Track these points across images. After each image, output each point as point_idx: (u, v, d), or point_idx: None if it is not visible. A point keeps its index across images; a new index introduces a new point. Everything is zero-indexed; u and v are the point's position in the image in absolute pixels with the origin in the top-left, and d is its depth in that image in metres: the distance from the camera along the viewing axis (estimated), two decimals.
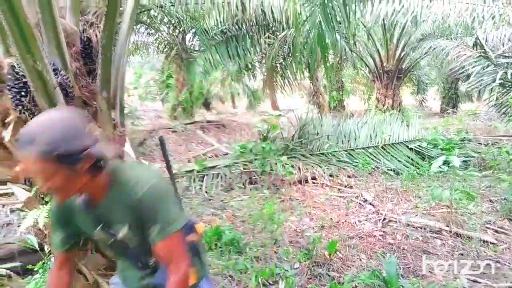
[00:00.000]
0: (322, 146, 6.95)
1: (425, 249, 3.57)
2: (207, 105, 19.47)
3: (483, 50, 6.08)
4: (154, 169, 1.34)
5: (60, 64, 1.85)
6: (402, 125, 7.41)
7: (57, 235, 1.45)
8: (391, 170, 6.37)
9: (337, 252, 3.47)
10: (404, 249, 3.57)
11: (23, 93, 1.75)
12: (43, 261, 2.46)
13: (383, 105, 12.47)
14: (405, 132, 7.25)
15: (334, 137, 7.21)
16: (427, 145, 6.87)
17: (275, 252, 3.59)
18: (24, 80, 1.72)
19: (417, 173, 6.09)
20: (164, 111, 16.24)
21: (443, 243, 3.69)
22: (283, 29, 8.76)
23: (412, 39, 11.58)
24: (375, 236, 3.91)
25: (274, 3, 7.65)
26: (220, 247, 3.55)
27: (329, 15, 4.74)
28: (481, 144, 7.24)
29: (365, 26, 11.50)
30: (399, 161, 6.63)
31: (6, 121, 1.85)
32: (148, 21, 10.87)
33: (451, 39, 9.06)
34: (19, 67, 1.69)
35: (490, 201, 4.85)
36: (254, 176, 5.96)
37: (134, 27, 8.41)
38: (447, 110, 16.06)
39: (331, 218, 4.44)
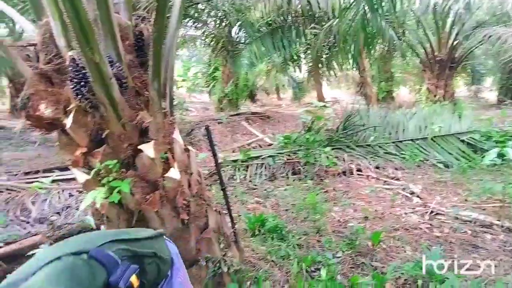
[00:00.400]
0: (368, 137, 6.84)
1: (473, 243, 3.45)
2: (252, 97, 19.63)
3: None
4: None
5: (115, 56, 1.99)
6: (453, 116, 7.12)
7: None
8: (440, 162, 6.15)
9: (381, 243, 3.44)
10: (451, 242, 3.47)
11: (82, 84, 1.90)
12: None
13: (434, 96, 11.99)
14: (456, 123, 6.97)
15: (381, 128, 7.07)
16: (480, 137, 6.56)
17: (317, 241, 3.62)
18: (83, 71, 1.87)
19: (468, 166, 5.84)
20: (210, 103, 16.61)
21: (494, 238, 3.54)
22: (329, 19, 8.65)
23: (466, 26, 10.99)
24: (421, 228, 3.82)
25: None
26: (263, 234, 3.64)
27: (374, 1, 4.63)
28: None
29: (414, 14, 11.06)
30: (449, 153, 6.39)
31: (67, 109, 2.02)
32: (195, 14, 11.12)
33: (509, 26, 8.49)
34: (79, 59, 1.84)
35: None
36: (298, 166, 5.99)
37: (182, 21, 8.66)
38: (504, 101, 15.11)
39: (375, 210, 4.39)
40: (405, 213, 4.29)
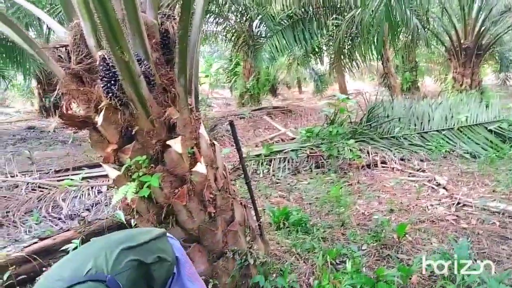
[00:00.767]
0: (393, 129, 6.75)
1: (502, 234, 3.38)
2: (273, 91, 19.63)
3: None
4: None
5: (143, 54, 2.05)
6: (480, 105, 6.94)
7: None
8: (467, 153, 6.03)
9: (407, 236, 3.42)
10: (479, 234, 3.41)
11: (112, 82, 1.97)
12: None
13: (461, 85, 11.69)
14: (484, 113, 6.78)
15: (406, 119, 6.97)
16: (508, 127, 6.38)
17: (342, 234, 3.63)
18: (113, 70, 1.94)
19: (496, 156, 5.70)
20: (232, 98, 16.68)
21: None
22: (351, 9, 8.53)
23: (494, 12, 10.63)
24: (447, 220, 3.77)
25: None
26: (288, 227, 3.67)
27: None
28: None
29: (439, 1, 10.78)
30: (476, 143, 6.25)
31: (98, 107, 2.10)
32: (216, 10, 11.17)
33: None
34: (109, 59, 1.91)
35: None
36: (321, 160, 5.98)
37: (204, 17, 8.72)
38: None
39: (401, 202, 4.35)
40: (431, 205, 4.24)
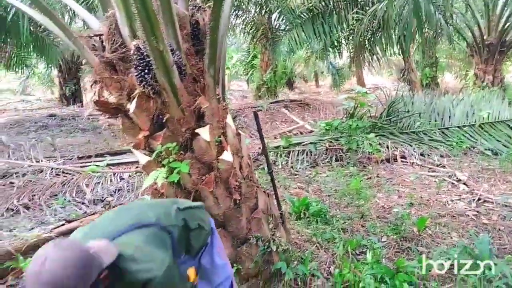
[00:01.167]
0: (413, 124, 6.71)
1: None
2: (290, 85, 19.57)
3: None
4: (158, 256, 1.34)
5: (175, 45, 2.12)
6: (503, 102, 6.83)
7: None
8: (488, 149, 5.96)
9: (426, 229, 3.43)
10: (500, 229, 3.41)
11: (146, 71, 2.04)
12: None
13: (482, 82, 11.45)
14: (506, 110, 6.69)
15: (426, 115, 6.91)
16: None
17: (361, 226, 3.66)
18: (147, 59, 2.01)
19: None
20: (248, 90, 16.70)
21: None
22: (373, 3, 8.45)
23: None
24: (468, 215, 3.77)
25: None
26: (308, 217, 3.72)
27: None
28: None
29: None
30: (498, 140, 6.18)
31: (131, 95, 2.18)
32: (236, 2, 11.18)
33: None
34: (144, 48, 1.98)
35: None
36: (340, 153, 6.00)
37: None
38: None
39: (420, 197, 4.35)
40: (451, 200, 4.23)
